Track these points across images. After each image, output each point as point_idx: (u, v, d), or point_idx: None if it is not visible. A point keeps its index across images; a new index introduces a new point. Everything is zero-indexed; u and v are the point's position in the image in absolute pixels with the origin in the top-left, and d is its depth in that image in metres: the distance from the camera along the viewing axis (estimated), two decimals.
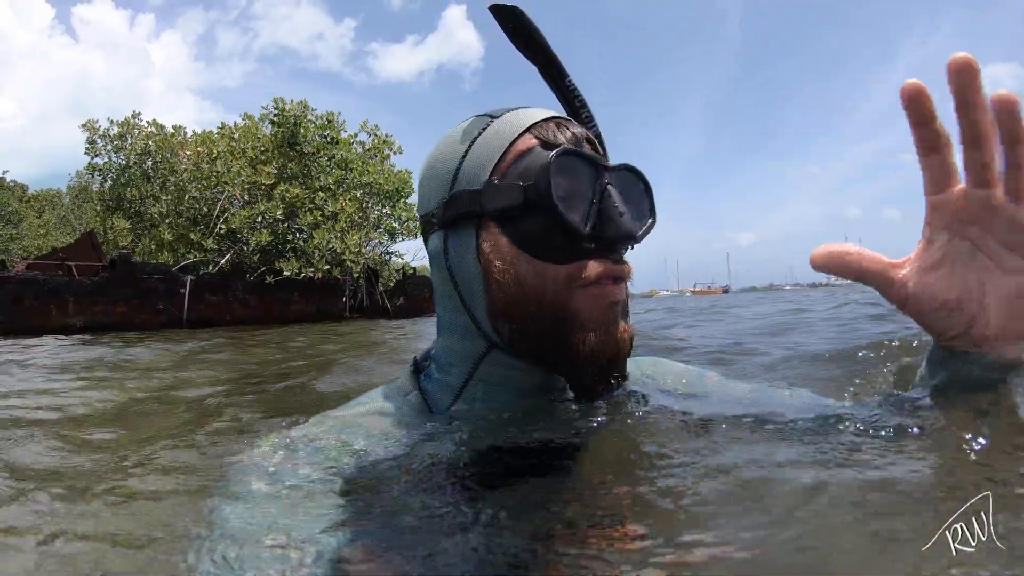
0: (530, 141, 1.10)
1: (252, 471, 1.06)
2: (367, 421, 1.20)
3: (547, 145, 1.08)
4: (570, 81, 1.19)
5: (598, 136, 1.18)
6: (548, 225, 1.04)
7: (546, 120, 1.12)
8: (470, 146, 1.17)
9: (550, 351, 1.09)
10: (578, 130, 1.12)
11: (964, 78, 0.79)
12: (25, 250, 39.99)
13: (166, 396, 4.04)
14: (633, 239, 1.08)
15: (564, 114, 1.19)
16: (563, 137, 1.10)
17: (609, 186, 1.05)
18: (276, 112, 24.76)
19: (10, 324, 16.48)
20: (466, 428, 1.12)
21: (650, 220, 1.14)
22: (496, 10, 1.16)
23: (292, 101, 25.10)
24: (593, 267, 1.04)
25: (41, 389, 4.52)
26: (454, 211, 1.11)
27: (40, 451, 2.26)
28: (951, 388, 0.94)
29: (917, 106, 0.84)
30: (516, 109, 1.17)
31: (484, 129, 1.17)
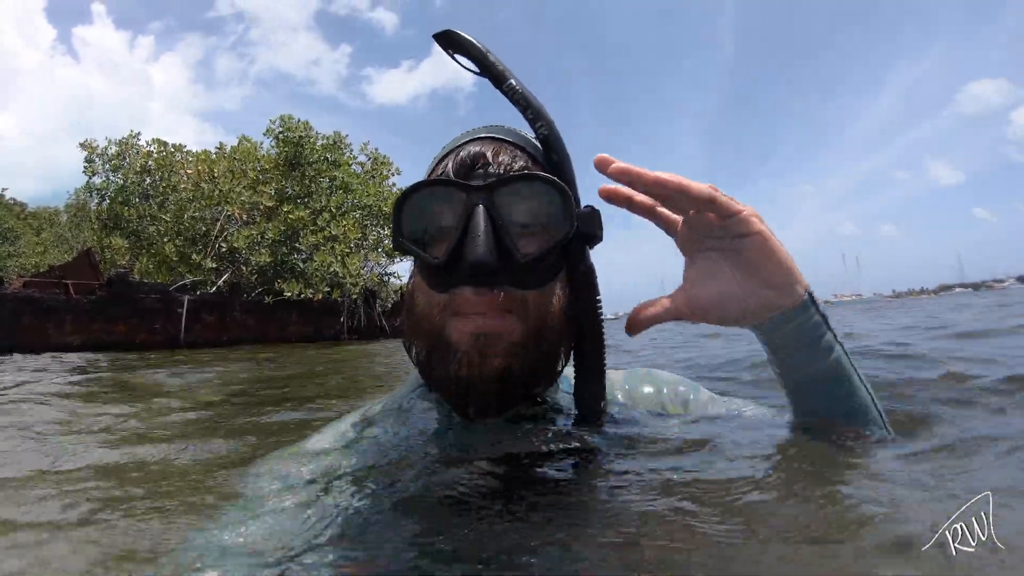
0: (437, 172, 1.16)
1: (266, 477, 1.12)
2: (374, 429, 1.24)
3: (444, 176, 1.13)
4: (508, 85, 1.14)
5: (546, 136, 1.15)
6: (415, 256, 1.10)
7: (458, 147, 1.16)
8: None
9: (433, 373, 1.12)
10: (477, 149, 1.13)
11: (605, 172, 1.08)
12: (23, 268, 39.75)
13: (172, 407, 4.03)
14: (486, 266, 1.00)
15: (492, 130, 1.20)
16: (452, 164, 1.12)
17: (479, 207, 1.03)
18: (282, 129, 24.82)
19: (7, 342, 16.37)
20: (444, 436, 1.16)
21: (562, 231, 1.08)
22: (436, 38, 1.18)
23: (298, 120, 25.21)
24: (461, 295, 1.05)
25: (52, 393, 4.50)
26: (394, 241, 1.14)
27: (56, 454, 2.26)
28: (786, 358, 1.12)
29: (614, 198, 1.13)
30: (464, 132, 1.22)
31: (433, 159, 1.24)
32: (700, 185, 1.03)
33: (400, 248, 1.11)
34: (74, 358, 11.83)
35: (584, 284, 1.16)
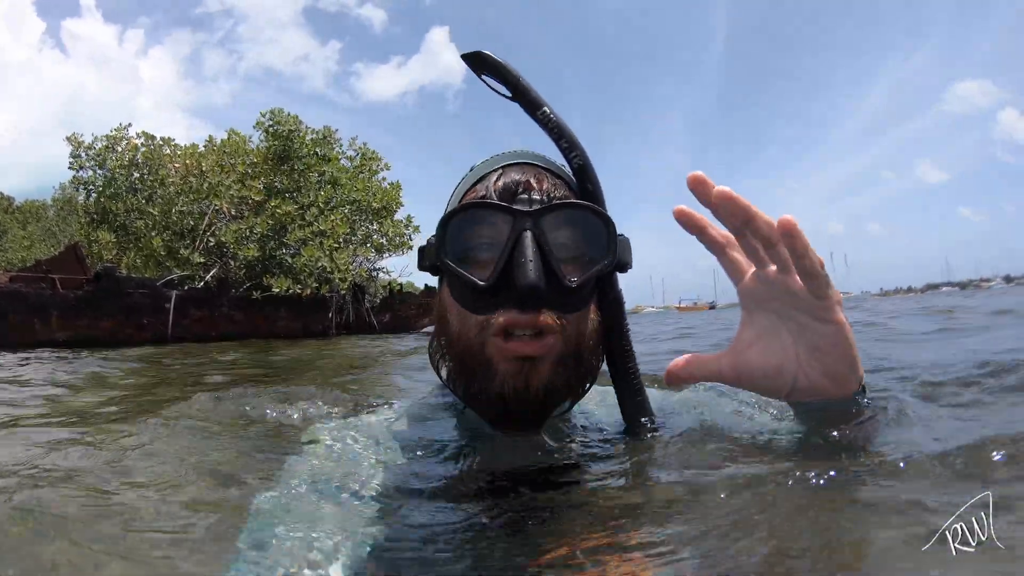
0: (477, 193, 1.16)
1: (294, 474, 1.12)
2: (401, 430, 1.27)
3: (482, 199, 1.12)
4: (542, 113, 1.16)
5: (580, 166, 1.16)
6: (458, 278, 1.09)
7: (496, 170, 1.16)
8: (450, 198, 1.26)
9: (473, 393, 1.13)
10: (519, 176, 1.13)
11: (699, 191, 0.96)
12: (9, 262, 39.47)
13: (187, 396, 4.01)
14: (536, 290, 1.01)
15: (527, 156, 1.20)
16: (493, 187, 1.12)
17: (527, 232, 1.03)
18: (272, 122, 24.64)
19: None
20: (473, 443, 1.17)
21: (605, 260, 1.11)
22: (466, 59, 1.17)
23: (288, 114, 24.99)
24: (502, 318, 1.05)
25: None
26: (428, 260, 1.16)
27: (75, 442, 2.24)
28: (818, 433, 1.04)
29: (688, 223, 1.02)
30: (492, 158, 1.22)
31: (460, 181, 1.25)
32: (815, 252, 0.91)
33: (441, 270, 1.14)
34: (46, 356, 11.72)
35: (614, 309, 1.20)
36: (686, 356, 1.08)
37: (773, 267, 0.97)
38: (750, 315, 1.05)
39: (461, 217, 1.10)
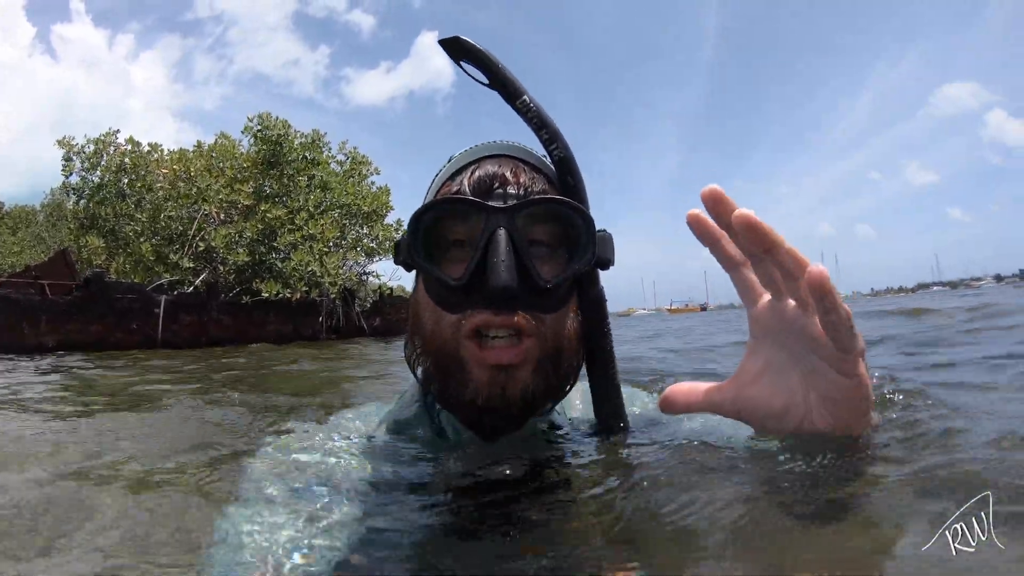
0: (452, 187, 1.13)
1: (262, 475, 1.09)
2: (375, 432, 1.26)
3: (457, 193, 1.09)
4: (522, 102, 1.11)
5: (562, 159, 1.12)
6: (431, 276, 1.07)
7: (473, 162, 1.13)
8: (428, 189, 1.23)
9: (448, 397, 1.10)
10: (495, 169, 1.09)
11: (715, 209, 0.86)
12: None
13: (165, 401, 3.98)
14: (509, 291, 0.97)
15: (506, 148, 1.16)
16: (468, 181, 1.09)
17: (501, 230, 0.99)
18: (261, 127, 24.55)
19: None
20: (452, 450, 1.14)
21: (584, 258, 1.06)
22: (443, 44, 1.13)
23: (276, 118, 24.88)
24: (476, 318, 1.03)
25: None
26: (403, 256, 1.12)
27: (49, 451, 2.22)
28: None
29: (702, 232, 0.91)
30: (470, 149, 1.18)
31: (439, 171, 1.22)
32: (843, 304, 0.78)
33: (413, 267, 1.11)
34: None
35: (594, 308, 1.16)
36: (685, 384, 0.99)
37: (792, 302, 0.87)
38: (758, 344, 0.94)
39: (434, 213, 1.07)
